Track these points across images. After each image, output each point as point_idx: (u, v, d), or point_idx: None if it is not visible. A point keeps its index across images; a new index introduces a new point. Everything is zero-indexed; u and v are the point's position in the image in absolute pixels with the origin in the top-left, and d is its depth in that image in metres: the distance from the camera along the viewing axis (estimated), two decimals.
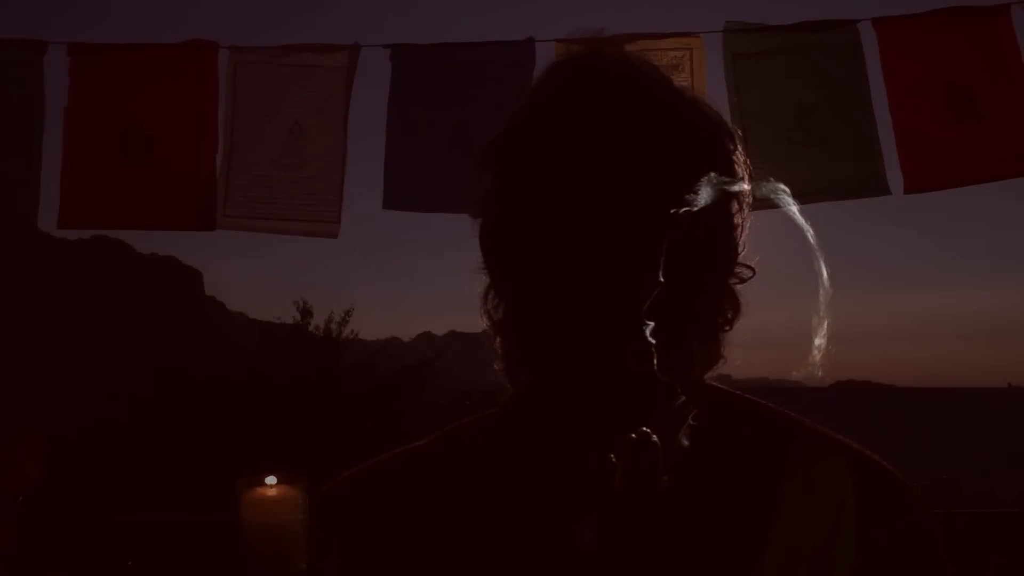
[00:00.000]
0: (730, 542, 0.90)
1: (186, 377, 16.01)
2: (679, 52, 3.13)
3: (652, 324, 0.85)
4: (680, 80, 0.96)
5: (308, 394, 15.25)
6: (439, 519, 0.95)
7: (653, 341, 0.85)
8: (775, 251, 0.99)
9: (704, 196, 0.87)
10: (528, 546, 0.90)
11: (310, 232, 3.20)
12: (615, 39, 2.92)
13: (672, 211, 0.85)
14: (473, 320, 1.00)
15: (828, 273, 0.85)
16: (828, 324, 0.85)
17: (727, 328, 0.96)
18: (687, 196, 0.86)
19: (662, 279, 0.85)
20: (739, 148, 0.97)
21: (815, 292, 0.85)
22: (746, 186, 0.93)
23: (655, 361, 0.85)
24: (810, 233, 0.86)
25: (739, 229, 0.96)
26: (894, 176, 3.09)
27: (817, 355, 0.86)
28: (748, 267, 0.97)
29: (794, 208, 0.88)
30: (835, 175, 3.07)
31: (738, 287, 0.97)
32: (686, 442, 0.92)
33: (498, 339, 0.99)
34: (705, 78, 3.14)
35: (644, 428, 0.80)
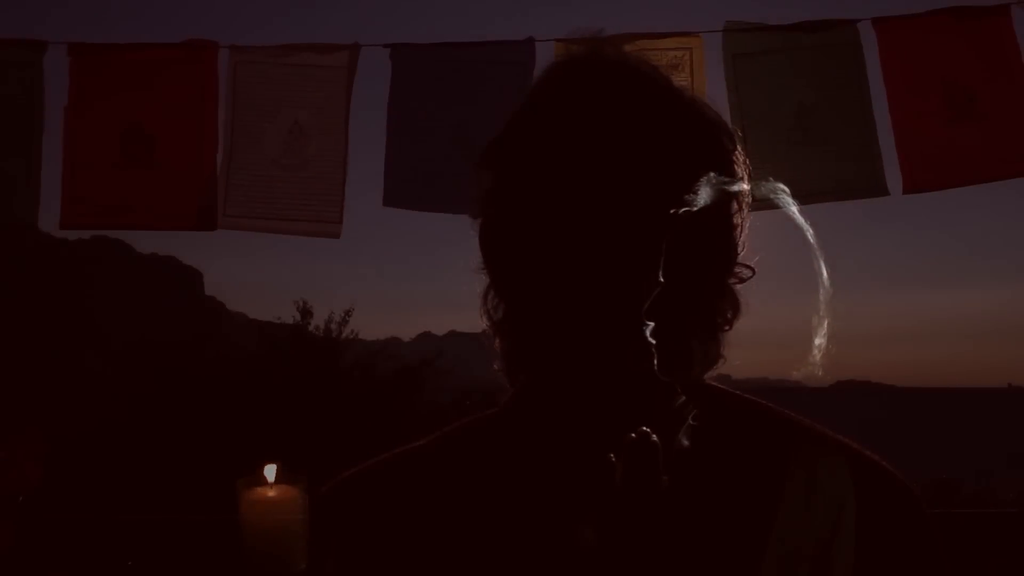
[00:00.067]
0: (731, 542, 0.90)
1: (186, 377, 16.01)
2: (679, 52, 3.13)
3: (652, 324, 0.85)
4: (680, 80, 0.96)
5: (308, 394, 15.25)
6: (439, 519, 0.95)
7: (653, 341, 0.85)
8: (775, 251, 0.99)
9: (703, 196, 0.87)
10: (528, 546, 0.90)
11: (311, 232, 3.20)
12: (615, 39, 2.92)
13: (672, 211, 0.85)
14: (473, 320, 1.00)
15: (828, 273, 0.85)
16: (828, 324, 0.85)
17: (727, 328, 0.96)
18: (686, 196, 0.86)
19: (662, 279, 0.85)
20: (738, 148, 0.97)
21: (815, 292, 0.85)
22: (745, 186, 0.93)
23: (655, 361, 0.85)
24: (810, 233, 0.86)
25: (738, 229, 0.96)
26: (894, 176, 3.09)
27: (817, 355, 0.86)
28: (748, 267, 0.97)
29: (794, 208, 0.88)
30: (835, 175, 3.07)
31: (738, 287, 0.97)
32: (686, 442, 0.92)
33: (498, 339, 0.99)
34: (705, 78, 3.14)
35: (644, 428, 0.80)
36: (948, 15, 3.10)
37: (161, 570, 3.19)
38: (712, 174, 0.88)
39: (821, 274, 0.85)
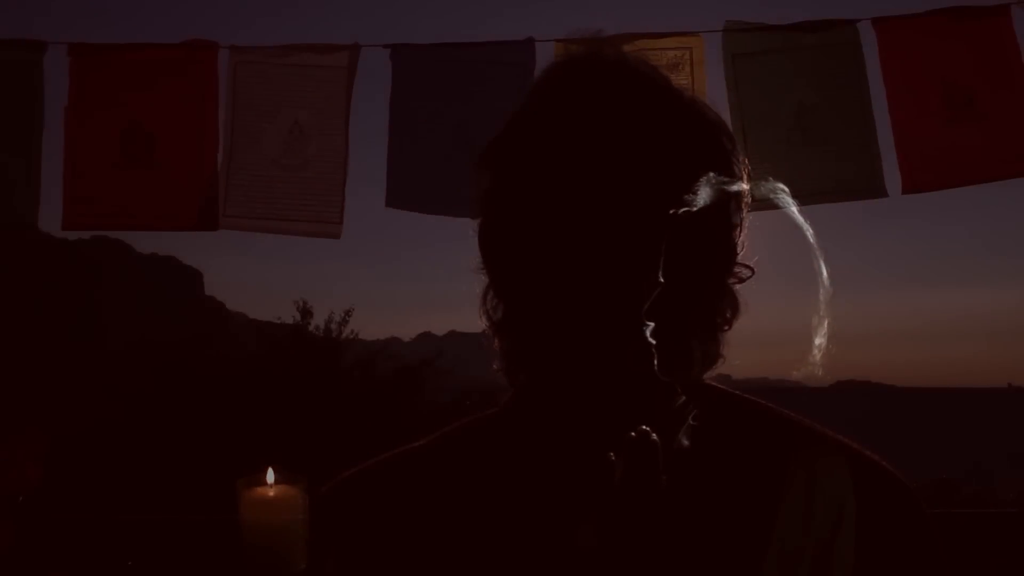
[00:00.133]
0: (732, 542, 0.90)
1: (186, 377, 16.01)
2: (679, 52, 3.13)
3: (651, 324, 0.85)
4: (680, 80, 0.96)
5: (308, 394, 15.25)
6: (438, 519, 0.95)
7: (652, 341, 0.85)
8: (774, 251, 0.99)
9: (703, 196, 0.87)
10: (527, 546, 0.90)
11: (311, 232, 3.19)
12: (615, 39, 2.92)
13: (671, 211, 0.85)
14: (473, 320, 1.00)
15: (828, 272, 0.85)
16: (828, 323, 0.85)
17: (726, 328, 0.96)
18: (686, 196, 0.86)
19: (661, 279, 0.85)
20: (738, 148, 0.97)
21: (815, 292, 0.85)
22: (745, 186, 0.93)
23: (655, 361, 0.85)
24: (809, 232, 0.86)
25: (738, 229, 0.96)
26: (893, 176, 3.09)
27: (817, 354, 0.86)
28: (747, 267, 0.97)
29: (793, 208, 0.88)
30: (834, 175, 3.07)
31: (737, 287, 0.97)
32: (686, 442, 0.92)
33: (497, 339, 0.99)
34: (705, 78, 3.14)
35: (643, 427, 0.80)
36: (948, 15, 3.10)
37: (161, 570, 3.19)
38: (711, 174, 0.88)
39: (821, 273, 0.86)
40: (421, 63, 3.21)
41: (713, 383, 1.00)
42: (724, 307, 0.96)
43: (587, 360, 0.90)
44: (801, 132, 3.08)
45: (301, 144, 3.17)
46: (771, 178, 0.91)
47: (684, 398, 0.94)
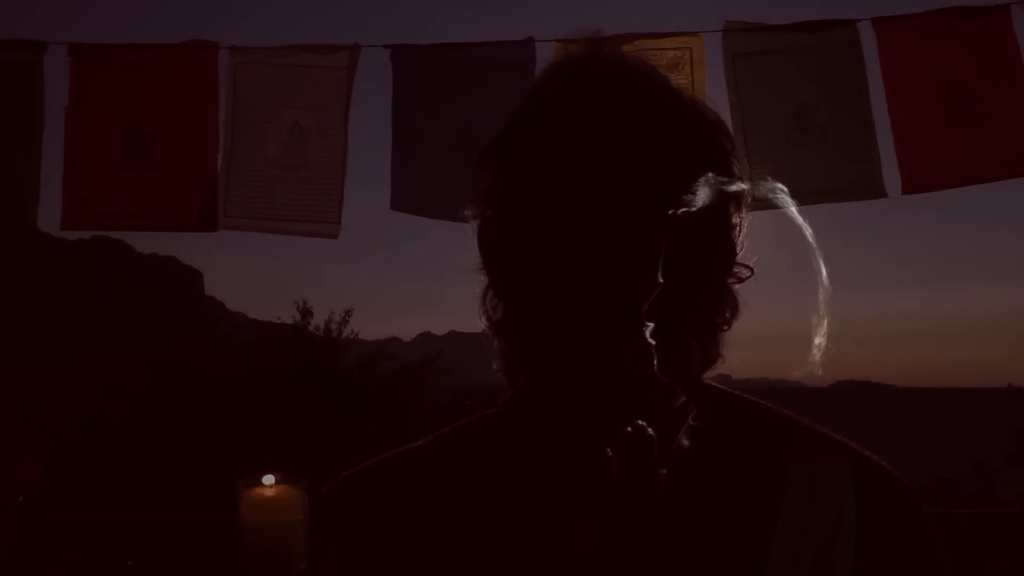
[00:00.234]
0: (735, 543, 0.90)
1: (186, 377, 16.00)
2: (679, 52, 3.13)
3: (651, 324, 0.85)
4: (679, 80, 0.97)
5: (308, 394, 15.24)
6: (438, 519, 0.95)
7: (652, 341, 0.85)
8: (774, 251, 0.99)
9: (702, 196, 0.87)
10: (527, 546, 0.90)
11: (310, 232, 3.20)
12: (615, 39, 2.92)
13: (670, 211, 0.85)
14: (473, 320, 1.00)
15: (827, 272, 0.85)
16: (827, 323, 0.85)
17: (725, 328, 0.96)
18: (685, 196, 0.86)
19: (661, 279, 0.85)
20: (737, 148, 0.97)
21: (814, 291, 0.85)
22: (744, 186, 0.93)
23: (654, 361, 0.85)
24: (809, 232, 0.86)
25: (737, 229, 0.96)
26: (893, 176, 3.09)
27: (817, 354, 0.86)
28: (746, 267, 0.97)
29: (792, 207, 0.88)
30: (834, 175, 3.07)
31: (737, 287, 0.97)
32: (686, 442, 0.92)
33: (496, 339, 0.99)
34: (705, 78, 3.14)
35: (640, 421, 0.81)
36: (948, 15, 3.10)
37: (161, 570, 3.19)
38: (710, 174, 0.88)
39: (820, 273, 0.86)
40: (421, 63, 3.21)
41: (713, 383, 1.00)
42: (723, 307, 0.96)
43: (586, 360, 0.90)
44: (801, 132, 3.08)
45: (301, 144, 3.17)
46: (770, 178, 0.91)
47: (684, 398, 0.94)
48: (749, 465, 0.95)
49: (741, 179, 0.93)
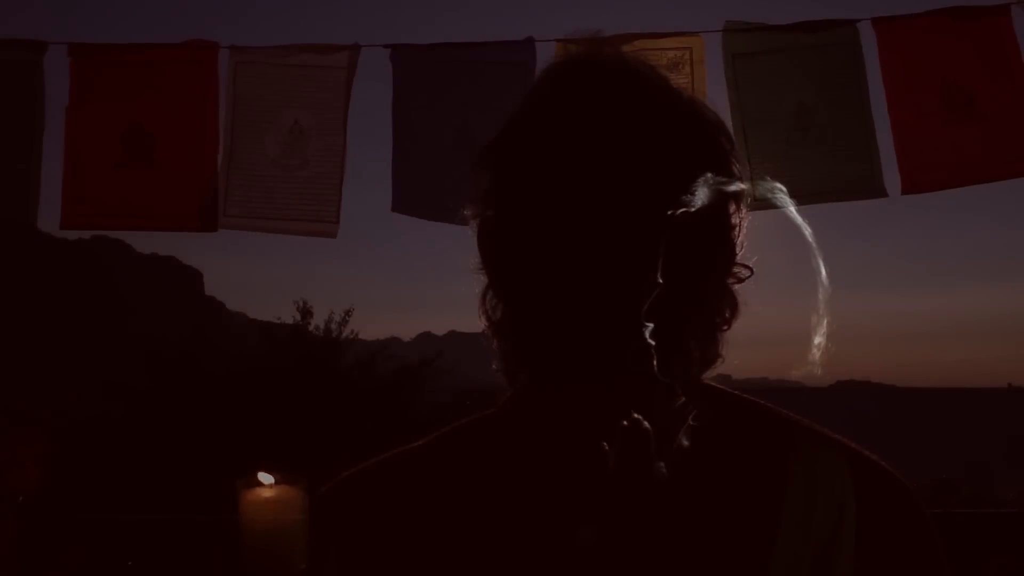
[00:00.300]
0: (737, 544, 0.90)
1: (186, 377, 15.99)
2: (679, 51, 3.13)
3: (650, 324, 0.85)
4: (679, 80, 0.97)
5: (308, 394, 15.23)
6: (437, 519, 0.95)
7: (652, 341, 0.85)
8: (773, 251, 0.99)
9: (701, 196, 0.87)
10: (527, 546, 0.90)
11: (309, 232, 3.20)
12: (615, 39, 2.92)
13: (670, 211, 0.85)
14: (473, 320, 1.00)
15: (826, 271, 0.85)
16: (827, 322, 0.85)
17: (725, 328, 0.96)
18: (684, 196, 0.86)
19: (660, 279, 0.85)
20: (736, 148, 0.97)
21: (814, 291, 0.85)
22: (743, 186, 0.93)
23: (654, 361, 0.85)
24: (808, 231, 0.86)
25: (737, 229, 0.96)
26: (893, 176, 3.09)
27: (816, 353, 0.86)
28: (746, 267, 0.97)
29: (791, 207, 0.88)
30: (834, 175, 3.07)
31: (736, 287, 0.97)
32: (686, 442, 0.92)
33: (496, 339, 0.99)
34: (705, 78, 3.14)
35: (635, 415, 0.80)
36: (948, 15, 3.10)
37: (161, 570, 3.19)
38: (710, 174, 0.88)
39: (820, 272, 0.86)
40: (421, 63, 3.21)
41: (712, 383, 1.00)
42: (723, 307, 0.96)
43: (586, 360, 0.90)
44: (801, 132, 3.08)
45: (301, 144, 3.18)
46: (769, 178, 0.91)
47: (684, 398, 0.93)
48: (749, 465, 0.95)
49: (741, 179, 0.93)
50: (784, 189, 0.88)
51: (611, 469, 0.80)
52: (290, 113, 3.18)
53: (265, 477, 0.91)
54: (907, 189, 3.09)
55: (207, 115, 3.20)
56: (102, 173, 3.16)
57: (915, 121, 3.08)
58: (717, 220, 0.92)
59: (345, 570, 0.98)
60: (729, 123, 0.98)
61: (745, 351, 0.99)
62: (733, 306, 0.96)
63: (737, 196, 0.93)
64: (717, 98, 0.97)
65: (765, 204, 0.94)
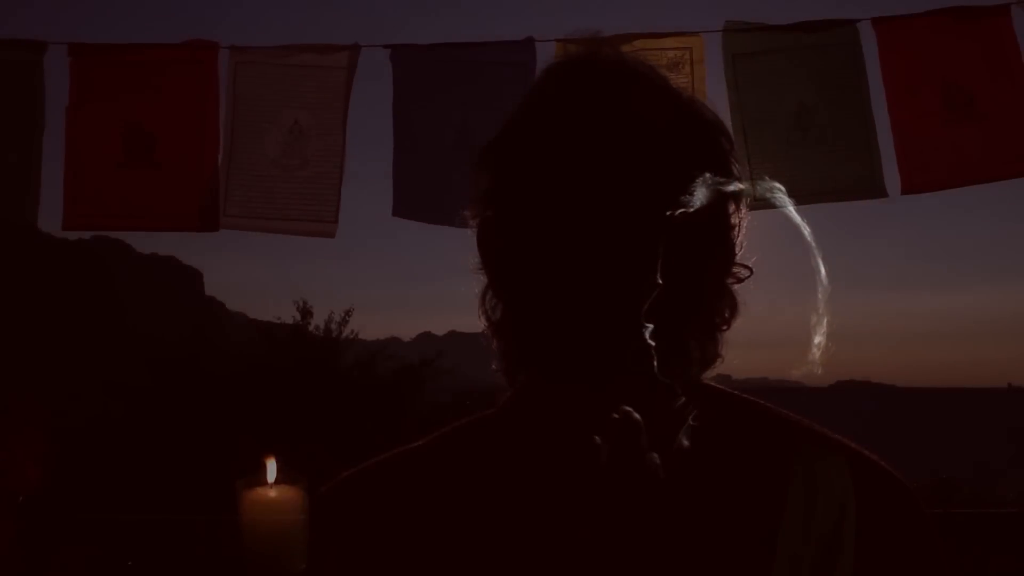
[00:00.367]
0: (738, 545, 0.90)
1: (186, 377, 15.99)
2: (679, 51, 3.13)
3: (650, 324, 0.85)
4: (679, 80, 0.97)
5: (308, 394, 15.23)
6: (437, 519, 0.95)
7: (651, 341, 0.85)
8: (773, 251, 0.99)
9: (700, 196, 0.87)
10: (526, 545, 0.90)
11: (309, 232, 3.20)
12: (615, 39, 2.93)
13: (669, 212, 0.85)
14: (473, 320, 1.00)
15: (826, 271, 0.85)
16: (827, 321, 0.85)
17: (724, 328, 0.96)
18: (684, 197, 0.86)
19: (660, 279, 0.85)
20: (736, 148, 0.97)
21: (814, 290, 0.85)
22: (742, 186, 0.93)
23: (654, 361, 0.85)
24: (806, 230, 0.86)
25: (736, 229, 0.96)
26: (893, 176, 3.09)
27: (816, 353, 0.86)
28: (746, 267, 0.97)
29: (789, 206, 0.88)
30: (834, 175, 3.07)
31: (736, 287, 0.97)
32: (686, 442, 0.92)
33: (496, 339, 0.99)
34: (705, 78, 3.14)
35: (626, 408, 0.80)
36: (948, 15, 3.10)
37: (161, 570, 3.19)
38: (709, 174, 0.88)
39: (819, 271, 0.86)
40: (421, 63, 3.21)
41: (712, 383, 1.00)
42: (723, 307, 0.96)
43: (586, 361, 0.90)
44: (801, 132, 3.08)
45: (300, 144, 3.18)
46: (768, 177, 0.91)
47: (684, 398, 0.93)
48: (749, 465, 0.95)
49: (740, 179, 0.93)
50: (783, 189, 0.89)
51: (606, 465, 0.79)
52: (290, 113, 3.18)
53: (271, 467, 0.91)
54: (907, 189, 3.08)
55: (207, 115, 3.20)
56: (103, 173, 3.16)
57: (915, 121, 3.08)
58: (716, 220, 0.92)
59: (345, 570, 0.98)
60: (729, 123, 0.99)
61: (745, 351, 0.99)
62: (733, 306, 0.96)
63: (736, 196, 0.94)
64: (717, 98, 0.98)
65: (764, 204, 0.94)
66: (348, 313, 18.22)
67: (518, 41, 3.19)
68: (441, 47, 3.24)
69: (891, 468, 0.98)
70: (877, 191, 3.08)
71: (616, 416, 0.80)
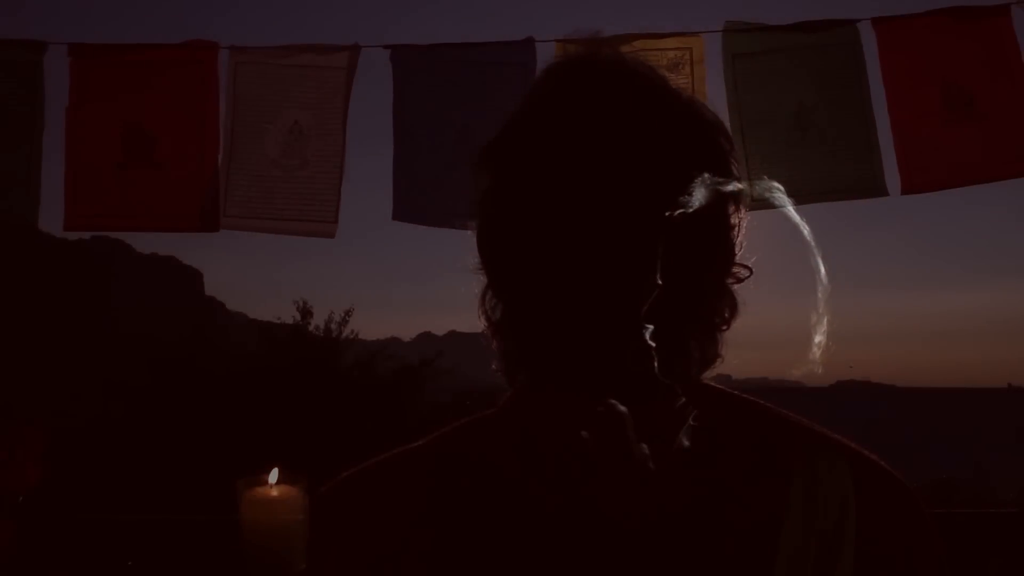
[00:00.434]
0: (739, 545, 0.90)
1: (186, 377, 16.00)
2: (679, 52, 3.13)
3: (650, 325, 0.85)
4: (679, 80, 0.97)
5: (308, 394, 15.24)
6: (437, 519, 0.95)
7: (651, 342, 0.85)
8: (773, 251, 0.99)
9: (700, 196, 0.87)
10: (526, 546, 0.90)
11: (308, 232, 3.20)
12: (615, 39, 2.93)
13: (668, 212, 0.86)
14: (473, 320, 1.00)
15: (825, 269, 0.85)
16: (827, 320, 0.85)
17: (724, 328, 0.97)
18: (683, 197, 0.86)
19: (660, 279, 0.85)
20: (736, 148, 0.97)
21: (813, 290, 0.86)
22: (741, 186, 0.93)
23: (654, 361, 0.85)
24: (806, 229, 0.86)
25: (736, 229, 0.96)
26: (892, 177, 3.09)
27: (816, 352, 0.86)
28: (745, 267, 0.97)
29: (788, 206, 0.88)
30: (834, 175, 3.07)
31: (736, 287, 0.97)
32: (687, 443, 0.92)
33: (496, 340, 0.99)
34: (705, 78, 3.14)
35: (610, 401, 0.81)
36: (948, 15, 3.10)
37: (161, 570, 3.19)
38: (708, 175, 0.88)
39: (819, 270, 0.86)
40: (421, 64, 3.21)
41: (712, 383, 1.00)
42: (723, 307, 0.96)
43: (586, 361, 0.90)
44: (801, 132, 3.08)
45: (300, 144, 3.18)
46: (766, 177, 0.91)
47: (684, 399, 0.94)
48: (750, 466, 0.95)
49: (739, 179, 0.93)
50: (781, 188, 0.89)
51: (594, 459, 0.79)
52: (290, 113, 3.18)
53: (275, 475, 0.91)
54: (907, 189, 3.08)
55: (207, 115, 3.20)
56: (103, 173, 3.16)
57: (915, 121, 3.08)
58: (716, 220, 0.92)
59: (345, 570, 0.98)
60: (729, 123, 0.99)
61: (745, 351, 0.99)
62: (733, 306, 0.97)
63: (736, 196, 0.94)
64: (717, 98, 0.98)
65: (764, 204, 0.94)
66: (348, 313, 18.25)
67: (518, 41, 3.19)
68: (441, 47, 3.24)
69: (891, 468, 0.98)
70: (877, 190, 3.08)
71: (600, 409, 0.80)
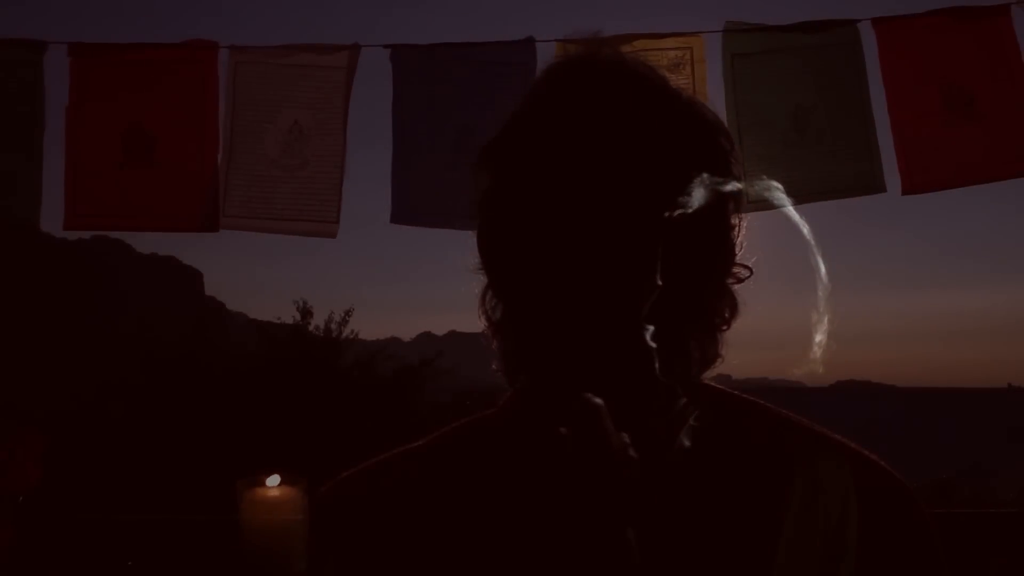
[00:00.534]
0: (740, 545, 0.90)
1: (186, 377, 15.99)
2: (679, 52, 3.13)
3: (651, 325, 0.85)
4: (680, 80, 0.97)
5: (308, 394, 15.23)
6: (437, 519, 0.95)
7: (652, 342, 0.85)
8: (773, 251, 0.99)
9: (700, 197, 0.87)
10: (526, 546, 0.90)
11: (309, 232, 3.20)
12: (615, 39, 2.93)
13: (669, 212, 0.85)
14: (473, 320, 1.00)
15: (825, 268, 0.85)
16: (827, 320, 0.85)
17: (724, 328, 0.96)
18: (683, 197, 0.86)
19: (660, 280, 0.85)
20: (736, 148, 0.97)
21: (814, 290, 0.86)
22: (741, 186, 0.93)
23: (654, 362, 0.85)
24: (806, 229, 0.86)
25: (736, 229, 0.96)
26: (893, 177, 3.09)
27: (817, 351, 0.86)
28: (745, 267, 0.97)
29: (788, 205, 0.88)
30: (833, 175, 3.07)
31: (736, 287, 0.97)
32: (687, 443, 0.92)
33: (496, 340, 0.99)
34: (705, 78, 3.14)
35: (585, 394, 0.80)
36: (948, 15, 3.10)
37: (161, 570, 3.19)
38: (708, 175, 0.88)
39: (819, 270, 0.86)
40: (421, 63, 3.21)
41: (712, 383, 1.00)
42: (723, 307, 0.96)
43: (586, 361, 0.90)
44: (800, 132, 3.08)
45: (300, 144, 3.17)
46: (764, 176, 0.91)
47: (685, 399, 0.94)
48: (751, 466, 0.95)
49: (740, 179, 0.93)
50: (780, 188, 0.89)
51: (570, 450, 0.79)
52: (290, 113, 3.18)
53: (272, 479, 0.91)
54: (907, 189, 3.08)
55: (207, 115, 3.20)
56: (103, 173, 3.16)
57: (915, 121, 3.08)
58: (716, 220, 0.92)
59: (345, 570, 0.98)
60: (729, 123, 0.99)
61: (745, 351, 0.99)
62: (733, 306, 0.97)
63: (736, 196, 0.94)
64: (718, 98, 0.98)
65: (764, 204, 0.94)
66: (348, 313, 18.23)
67: (518, 41, 3.18)
68: (441, 47, 3.24)
69: (891, 468, 0.98)
70: (876, 186, 3.08)
71: (575, 404, 0.80)
